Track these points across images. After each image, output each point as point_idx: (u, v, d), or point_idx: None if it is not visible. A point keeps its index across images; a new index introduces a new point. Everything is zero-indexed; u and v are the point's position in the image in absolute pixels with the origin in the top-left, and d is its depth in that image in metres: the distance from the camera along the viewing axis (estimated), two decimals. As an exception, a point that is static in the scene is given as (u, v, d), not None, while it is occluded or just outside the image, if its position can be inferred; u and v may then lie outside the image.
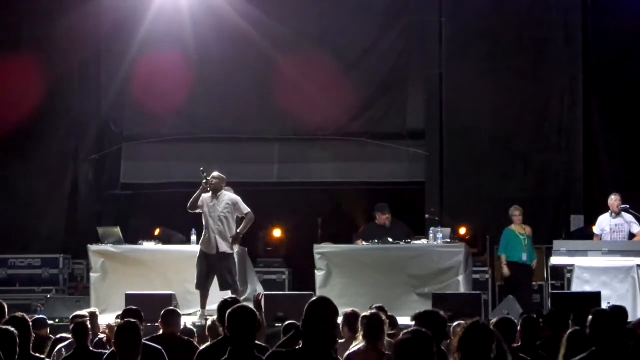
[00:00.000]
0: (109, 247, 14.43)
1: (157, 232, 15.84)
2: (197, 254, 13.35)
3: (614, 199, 14.21)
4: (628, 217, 14.22)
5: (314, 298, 5.76)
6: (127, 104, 18.28)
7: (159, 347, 7.34)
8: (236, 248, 13.48)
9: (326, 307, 5.57)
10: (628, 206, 14.63)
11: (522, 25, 17.27)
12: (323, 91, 17.78)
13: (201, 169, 13.43)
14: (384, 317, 7.28)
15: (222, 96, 17.94)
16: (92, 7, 17.82)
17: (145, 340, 7.40)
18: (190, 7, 17.57)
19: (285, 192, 17.73)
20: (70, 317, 9.46)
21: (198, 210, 13.38)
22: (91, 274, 14.45)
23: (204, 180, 13.23)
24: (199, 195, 13.28)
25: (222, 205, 13.26)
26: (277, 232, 17.41)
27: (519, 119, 17.38)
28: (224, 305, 6.79)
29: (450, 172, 17.37)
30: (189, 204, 13.33)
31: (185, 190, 17.18)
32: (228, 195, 13.33)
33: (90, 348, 8.16)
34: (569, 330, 7.25)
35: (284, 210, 17.54)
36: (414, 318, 6.85)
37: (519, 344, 7.71)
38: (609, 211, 14.26)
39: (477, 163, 17.33)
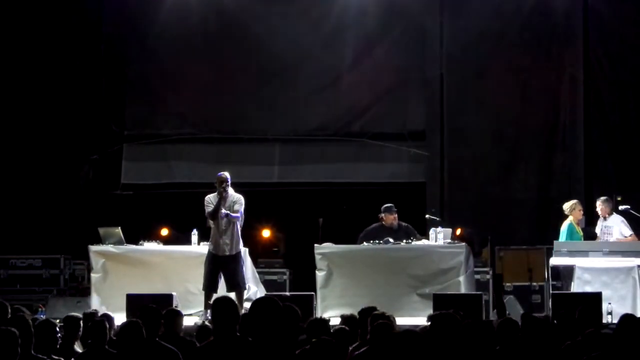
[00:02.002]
0: (110, 248, 14.42)
1: (166, 232, 15.87)
2: (206, 255, 13.33)
3: (599, 204, 14.42)
4: (617, 219, 14.37)
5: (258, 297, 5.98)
6: (128, 104, 18.29)
7: (175, 349, 7.33)
8: (242, 246, 13.46)
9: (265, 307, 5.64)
10: (629, 207, 14.68)
11: (523, 25, 17.27)
12: (324, 91, 17.81)
13: (215, 182, 13.32)
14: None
15: (223, 96, 17.96)
16: (93, 7, 17.84)
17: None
18: (192, 8, 17.60)
19: (286, 192, 17.75)
20: (83, 315, 9.44)
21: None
22: (92, 275, 14.43)
23: (220, 190, 13.14)
24: (219, 205, 13.21)
25: (227, 205, 13.24)
26: (277, 233, 17.41)
27: (520, 120, 17.39)
28: (215, 303, 6.85)
29: (451, 173, 17.38)
30: (210, 215, 13.22)
31: (186, 190, 17.29)
32: (232, 194, 13.31)
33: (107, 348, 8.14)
34: None
35: (284, 210, 17.56)
36: (429, 319, 6.87)
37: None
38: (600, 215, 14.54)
39: (478, 164, 17.34)
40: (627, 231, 14.22)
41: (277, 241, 17.43)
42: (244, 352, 6.07)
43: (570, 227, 14.38)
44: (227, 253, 13.23)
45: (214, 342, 6.25)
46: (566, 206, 14.50)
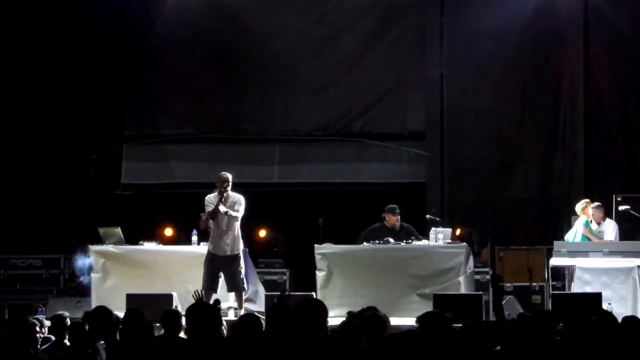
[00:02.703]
0: (110, 248, 14.42)
1: (170, 232, 15.87)
2: (205, 255, 13.34)
3: (592, 211, 14.47)
4: (610, 225, 14.51)
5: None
6: (128, 104, 18.29)
7: None
8: (242, 246, 13.46)
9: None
10: (629, 207, 14.69)
11: (523, 25, 17.25)
12: (324, 91, 17.82)
13: (216, 182, 13.35)
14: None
15: (223, 96, 17.97)
16: (93, 7, 17.84)
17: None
18: (193, 8, 17.60)
19: (286, 192, 17.75)
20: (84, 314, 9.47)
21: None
22: (92, 275, 14.46)
23: (222, 190, 13.17)
24: (219, 205, 13.23)
25: (228, 206, 13.24)
26: (277, 233, 17.41)
27: (520, 120, 17.39)
28: (189, 310, 6.93)
29: (451, 173, 17.38)
30: (210, 215, 13.24)
31: (186, 190, 17.29)
32: (233, 194, 13.32)
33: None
34: None
35: (284, 211, 17.56)
36: (418, 320, 6.88)
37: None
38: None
39: (478, 164, 17.34)
40: (609, 237, 14.35)
41: (277, 241, 17.43)
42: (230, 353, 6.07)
43: (587, 222, 14.44)
44: (228, 253, 13.24)
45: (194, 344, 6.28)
46: (578, 206, 14.62)
